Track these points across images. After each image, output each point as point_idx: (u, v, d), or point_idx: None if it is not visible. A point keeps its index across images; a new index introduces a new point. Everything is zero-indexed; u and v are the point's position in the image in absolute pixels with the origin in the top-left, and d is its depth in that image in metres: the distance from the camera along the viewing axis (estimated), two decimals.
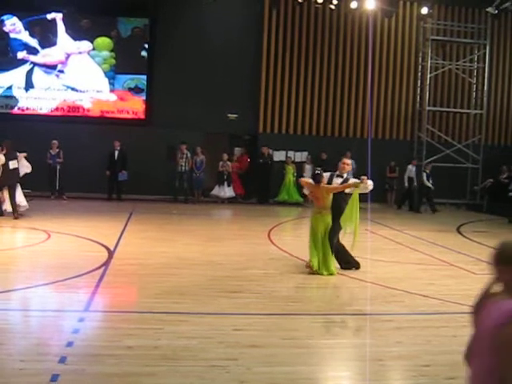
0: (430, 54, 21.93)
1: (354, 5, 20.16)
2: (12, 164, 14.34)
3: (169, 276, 8.92)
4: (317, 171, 9.85)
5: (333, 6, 20.33)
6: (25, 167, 14.80)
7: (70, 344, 5.76)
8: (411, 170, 20.50)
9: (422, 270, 10.24)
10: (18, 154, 14.65)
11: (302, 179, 10.56)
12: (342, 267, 9.84)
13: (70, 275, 8.56)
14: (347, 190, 9.54)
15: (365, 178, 9.43)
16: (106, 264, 9.49)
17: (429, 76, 21.99)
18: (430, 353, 6.00)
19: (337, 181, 9.84)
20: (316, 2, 19.96)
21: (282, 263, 10.24)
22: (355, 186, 9.42)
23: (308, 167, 20.63)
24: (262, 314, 7.10)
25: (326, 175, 9.76)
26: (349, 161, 10.41)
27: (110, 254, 10.36)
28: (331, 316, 7.26)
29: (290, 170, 20.59)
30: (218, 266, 9.82)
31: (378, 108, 21.94)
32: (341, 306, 7.87)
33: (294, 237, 14.67)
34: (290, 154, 21.25)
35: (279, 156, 21.31)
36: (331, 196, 9.49)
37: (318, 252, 9.40)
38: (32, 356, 5.47)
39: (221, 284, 8.52)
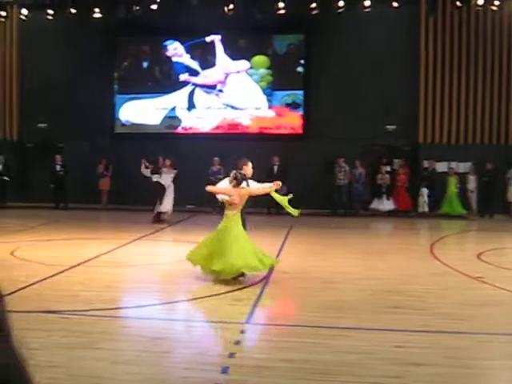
0: None
1: None
2: (155, 177, 17.06)
3: (329, 290, 8.85)
4: (240, 172, 9.47)
5: (494, 8, 19.34)
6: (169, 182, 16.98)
7: (231, 355, 5.85)
8: None
9: None
10: (162, 169, 17.19)
11: (211, 188, 9.78)
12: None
13: (232, 288, 8.76)
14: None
15: (278, 182, 9.89)
16: (267, 277, 9.60)
17: None
18: None
19: (252, 185, 9.76)
20: (476, 5, 19.10)
21: (445, 279, 9.80)
22: (271, 190, 9.75)
23: (472, 178, 19.73)
24: (425, 331, 6.80)
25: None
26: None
27: (271, 267, 10.47)
28: (498, 336, 6.79)
29: (453, 182, 19.74)
30: (378, 280, 9.60)
31: None
32: (509, 324, 7.34)
33: (458, 251, 14.04)
34: (453, 164, 20.42)
35: (441, 167, 20.52)
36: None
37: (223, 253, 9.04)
38: (195, 365, 5.62)
39: (381, 299, 8.30)
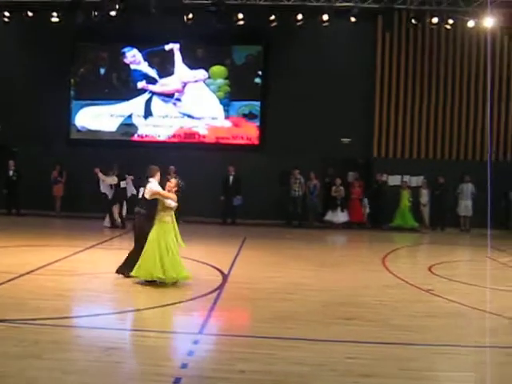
0: None
1: (470, 24, 19.53)
2: (122, 184, 17.47)
3: (282, 301, 8.89)
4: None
5: (448, 26, 19.79)
6: (132, 189, 17.22)
7: (184, 366, 5.84)
8: None
9: None
10: (127, 176, 17.61)
11: (163, 192, 9.96)
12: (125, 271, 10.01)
13: (185, 298, 8.73)
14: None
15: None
16: (221, 288, 9.61)
17: None
18: None
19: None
20: (431, 23, 19.51)
21: (397, 291, 9.96)
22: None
23: (424, 192, 20.10)
24: (377, 343, 6.89)
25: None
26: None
27: (225, 277, 10.48)
28: (450, 347, 6.92)
29: (406, 195, 20.06)
30: (331, 292, 9.69)
31: (498, 129, 21.04)
32: (460, 336, 7.47)
33: (410, 264, 14.26)
34: (406, 178, 20.76)
35: (394, 180, 20.84)
36: None
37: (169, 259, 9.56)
38: (148, 376, 5.59)
39: (334, 310, 8.39)
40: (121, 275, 10.11)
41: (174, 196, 9.88)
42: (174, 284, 9.60)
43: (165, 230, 9.71)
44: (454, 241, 18.07)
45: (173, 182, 10.05)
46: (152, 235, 9.67)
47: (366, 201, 20.10)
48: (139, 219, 10.18)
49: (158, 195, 9.88)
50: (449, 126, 21.13)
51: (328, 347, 6.67)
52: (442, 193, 19.90)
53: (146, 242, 9.70)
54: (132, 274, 9.72)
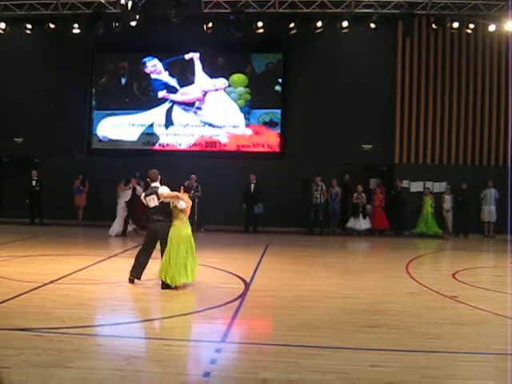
0: None
1: (492, 28, 19.38)
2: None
3: (304, 309, 8.84)
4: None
5: (469, 31, 19.65)
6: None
7: (206, 374, 5.81)
8: None
9: None
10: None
11: (177, 193, 10.04)
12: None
13: (207, 306, 8.71)
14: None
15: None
16: (243, 296, 9.57)
17: None
18: None
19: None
20: (451, 28, 19.38)
21: (421, 298, 9.85)
22: None
23: (447, 198, 19.94)
24: (400, 351, 6.81)
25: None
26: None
27: (247, 286, 10.45)
28: (474, 355, 6.81)
29: (428, 201, 19.91)
30: (354, 299, 9.61)
31: None
32: (484, 343, 7.34)
33: (433, 270, 14.11)
34: (428, 184, 20.61)
35: (417, 187, 20.71)
36: None
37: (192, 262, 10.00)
38: None
39: (357, 318, 8.31)
40: (136, 280, 10.32)
41: (186, 196, 10.06)
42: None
43: (182, 235, 9.95)
44: (477, 247, 17.89)
45: (185, 197, 10.10)
46: (172, 241, 9.88)
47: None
48: (161, 226, 10.19)
49: (170, 197, 10.01)
50: (471, 130, 20.96)
51: (352, 355, 6.60)
52: (464, 199, 19.73)
53: (165, 247, 9.93)
54: (161, 278, 9.92)
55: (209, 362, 6.21)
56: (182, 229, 9.97)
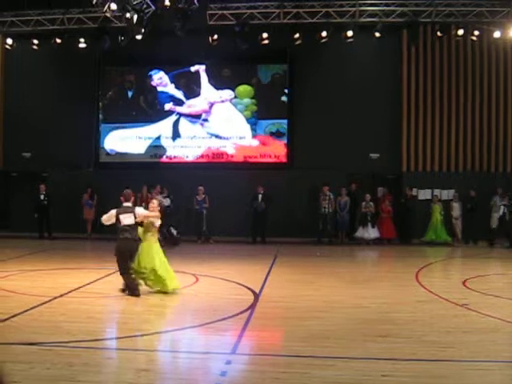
0: None
1: (496, 34, 19.36)
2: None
3: (314, 319, 8.79)
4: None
5: (474, 38, 19.65)
6: None
7: None
8: None
9: None
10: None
11: (157, 213, 10.70)
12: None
13: (217, 318, 8.68)
14: None
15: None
16: (252, 307, 9.54)
17: None
18: None
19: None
20: (456, 35, 19.39)
21: (431, 306, 9.79)
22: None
23: (456, 205, 19.86)
24: (412, 360, 6.76)
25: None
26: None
27: (256, 297, 10.42)
28: (485, 363, 6.74)
29: (437, 209, 19.84)
30: (364, 308, 9.56)
31: None
32: (496, 352, 7.26)
33: (443, 278, 14.04)
34: (437, 192, 20.55)
35: (425, 194, 20.66)
36: None
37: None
38: None
39: (368, 328, 8.26)
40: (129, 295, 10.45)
41: (159, 214, 10.71)
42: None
43: (156, 246, 10.66)
44: (487, 254, 17.78)
45: (155, 203, 10.87)
46: (152, 252, 10.53)
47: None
48: (130, 243, 10.44)
49: (151, 217, 10.56)
50: (478, 137, 20.92)
51: (363, 365, 6.56)
52: (473, 206, 19.64)
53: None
54: (170, 289, 10.48)
55: (219, 374, 6.18)
56: (154, 242, 10.63)
